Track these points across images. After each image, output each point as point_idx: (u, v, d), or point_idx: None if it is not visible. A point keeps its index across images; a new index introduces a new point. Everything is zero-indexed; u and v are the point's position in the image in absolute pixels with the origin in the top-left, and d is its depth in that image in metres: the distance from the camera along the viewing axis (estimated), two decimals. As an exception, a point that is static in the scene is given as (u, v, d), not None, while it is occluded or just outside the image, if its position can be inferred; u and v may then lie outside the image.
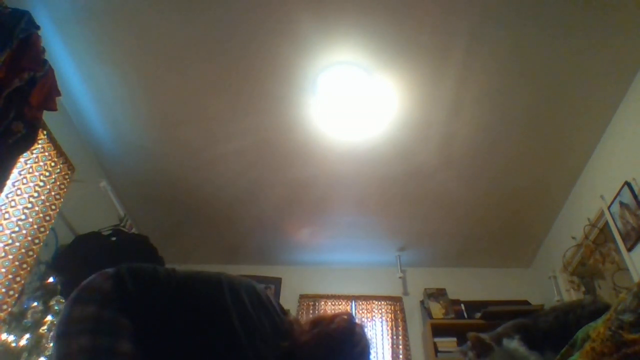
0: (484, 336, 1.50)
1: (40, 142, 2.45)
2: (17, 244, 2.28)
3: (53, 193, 2.55)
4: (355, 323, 1.15)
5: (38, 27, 2.07)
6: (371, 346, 1.19)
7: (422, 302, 4.11)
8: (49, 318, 2.31)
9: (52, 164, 2.57)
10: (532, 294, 4.11)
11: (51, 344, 2.24)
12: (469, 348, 1.51)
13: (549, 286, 3.84)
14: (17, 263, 2.26)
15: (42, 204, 2.46)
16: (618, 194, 2.76)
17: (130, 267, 1.11)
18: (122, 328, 0.98)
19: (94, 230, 2.90)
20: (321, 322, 1.13)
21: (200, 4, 2.30)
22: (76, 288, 1.06)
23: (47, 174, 2.53)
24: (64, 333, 0.99)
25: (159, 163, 3.30)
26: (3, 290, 2.16)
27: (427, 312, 3.95)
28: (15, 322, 2.20)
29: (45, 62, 2.12)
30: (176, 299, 1.07)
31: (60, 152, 2.63)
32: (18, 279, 2.25)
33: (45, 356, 2.22)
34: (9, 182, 2.21)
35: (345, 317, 1.14)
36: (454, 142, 3.09)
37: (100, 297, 1.01)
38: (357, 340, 1.12)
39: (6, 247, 2.22)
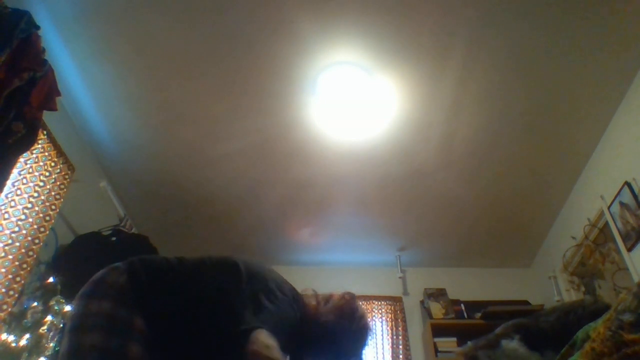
0: (469, 346, 1.51)
1: (40, 142, 2.44)
2: (17, 244, 2.27)
3: (53, 193, 2.55)
4: (357, 300, 1.42)
5: (38, 27, 2.07)
6: (371, 324, 1.39)
7: (422, 302, 4.11)
8: (49, 318, 2.31)
9: (52, 164, 2.57)
10: (532, 294, 4.11)
11: (53, 343, 2.24)
12: None
13: (549, 286, 3.83)
14: (17, 263, 2.25)
15: (42, 204, 2.46)
16: (618, 194, 2.76)
17: (142, 258, 1.13)
18: (135, 329, 0.99)
19: (94, 230, 2.90)
20: (332, 298, 1.37)
21: (200, 5, 2.30)
22: (88, 282, 1.07)
23: (47, 174, 2.52)
24: (78, 326, 0.99)
25: (159, 163, 3.30)
26: (3, 290, 2.16)
27: (427, 312, 3.95)
28: (15, 322, 2.20)
29: (45, 62, 2.12)
30: (191, 281, 1.11)
31: (60, 152, 2.62)
32: (18, 279, 2.25)
33: (46, 356, 2.22)
34: (9, 182, 2.21)
35: (349, 296, 1.40)
36: (454, 142, 3.08)
37: (116, 293, 1.02)
38: (362, 313, 1.37)
39: (6, 247, 2.21)
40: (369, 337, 1.36)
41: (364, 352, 1.35)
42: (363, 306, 1.39)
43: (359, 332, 1.32)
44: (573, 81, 2.66)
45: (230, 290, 1.10)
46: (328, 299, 1.38)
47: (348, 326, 1.29)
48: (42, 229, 2.45)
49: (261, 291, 1.12)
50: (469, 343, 1.60)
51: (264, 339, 0.99)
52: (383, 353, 3.82)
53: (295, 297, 1.29)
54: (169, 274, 1.11)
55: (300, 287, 4.66)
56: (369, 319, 1.40)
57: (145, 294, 1.04)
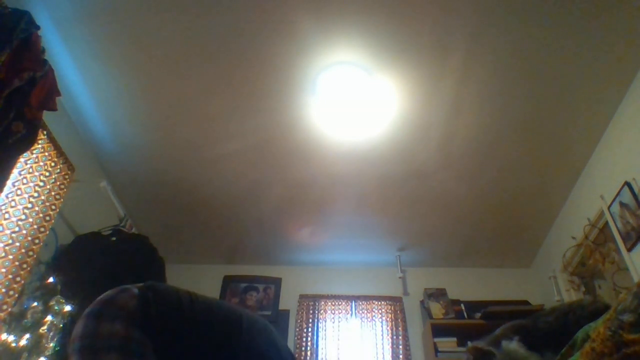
0: (482, 344, 1.49)
1: (40, 142, 2.44)
2: (17, 244, 2.28)
3: (53, 193, 2.55)
4: None
5: (38, 27, 2.07)
6: None
7: (422, 302, 4.11)
8: (49, 318, 2.31)
9: (52, 164, 2.57)
10: (532, 294, 4.12)
11: (53, 343, 2.24)
12: None
13: (549, 286, 3.84)
14: (17, 263, 2.25)
15: (42, 204, 2.46)
16: (618, 194, 2.76)
17: (156, 290, 1.09)
18: (148, 350, 0.98)
19: (94, 230, 2.90)
20: None
21: (200, 4, 2.30)
22: (97, 301, 1.05)
23: (47, 174, 2.52)
24: (90, 348, 0.97)
25: (159, 163, 3.30)
26: (3, 290, 2.16)
27: (427, 312, 3.95)
28: (15, 322, 2.20)
29: (45, 62, 2.12)
30: (195, 329, 1.07)
31: (60, 152, 2.63)
32: (18, 279, 2.25)
33: (46, 356, 2.22)
34: (9, 182, 2.21)
35: None
36: (454, 142, 3.09)
37: (126, 315, 1.00)
38: None
39: (6, 247, 2.22)
40: None
41: None
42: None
43: None
44: (573, 81, 2.66)
45: (222, 346, 1.08)
46: None
47: None
48: (42, 229, 2.45)
49: (255, 356, 1.11)
50: (474, 342, 1.59)
51: None
52: (383, 353, 3.82)
53: None
54: (177, 313, 1.08)
55: (300, 287, 4.66)
56: None
57: (151, 326, 1.03)
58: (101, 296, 1.05)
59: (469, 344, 1.56)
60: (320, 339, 3.91)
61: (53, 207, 2.54)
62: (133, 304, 1.03)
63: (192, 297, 1.13)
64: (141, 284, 1.09)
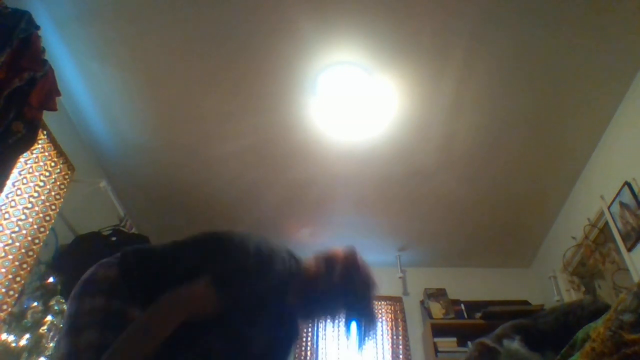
0: (488, 340, 1.49)
1: (40, 142, 2.44)
2: (17, 244, 2.27)
3: (53, 193, 2.55)
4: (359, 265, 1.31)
5: (38, 27, 2.07)
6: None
7: (422, 302, 4.11)
8: (49, 318, 2.31)
9: (52, 164, 2.57)
10: (532, 294, 4.11)
11: (53, 343, 2.24)
12: (474, 356, 1.50)
13: (549, 286, 3.84)
14: (17, 263, 2.25)
15: (42, 204, 2.46)
16: (618, 194, 2.76)
17: (135, 249, 1.11)
18: (130, 320, 0.97)
19: (94, 230, 2.90)
20: (335, 265, 1.28)
21: (199, 4, 2.31)
22: (79, 282, 1.05)
23: (47, 174, 2.52)
24: (72, 328, 0.98)
25: (159, 163, 3.30)
26: (3, 290, 2.16)
27: (427, 312, 3.95)
28: (15, 322, 2.20)
29: (45, 62, 2.12)
30: (175, 263, 1.09)
31: (60, 152, 2.62)
32: (18, 279, 2.25)
33: (46, 356, 2.22)
34: (9, 182, 2.21)
35: (351, 263, 1.32)
36: (454, 142, 3.08)
37: (107, 287, 1.01)
38: (364, 278, 1.30)
39: (6, 247, 2.21)
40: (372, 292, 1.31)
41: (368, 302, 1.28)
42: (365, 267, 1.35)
43: (361, 293, 1.27)
44: (573, 81, 2.66)
45: (207, 266, 1.08)
46: (330, 264, 1.29)
47: (350, 290, 1.26)
48: (42, 229, 2.45)
49: (238, 270, 1.09)
50: (480, 339, 1.59)
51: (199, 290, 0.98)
52: (383, 353, 3.82)
53: (289, 268, 1.25)
54: (158, 261, 1.09)
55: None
56: (370, 278, 1.34)
57: (138, 284, 1.03)
58: (83, 276, 1.06)
59: (470, 343, 1.56)
60: (320, 339, 3.91)
61: (53, 207, 2.54)
62: (113, 272, 1.03)
63: (173, 241, 1.16)
64: (118, 253, 1.10)
